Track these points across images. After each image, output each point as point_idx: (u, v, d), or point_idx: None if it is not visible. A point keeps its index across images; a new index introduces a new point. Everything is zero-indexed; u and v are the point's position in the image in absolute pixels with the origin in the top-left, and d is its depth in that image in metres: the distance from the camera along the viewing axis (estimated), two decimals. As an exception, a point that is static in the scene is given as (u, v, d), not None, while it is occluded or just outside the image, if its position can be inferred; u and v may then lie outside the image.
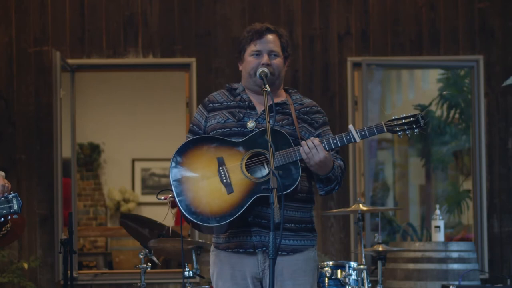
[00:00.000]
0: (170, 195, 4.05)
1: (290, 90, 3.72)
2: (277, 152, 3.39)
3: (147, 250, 5.24)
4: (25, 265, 6.81)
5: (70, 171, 7.41)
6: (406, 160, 9.78)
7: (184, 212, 3.40)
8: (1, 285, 6.77)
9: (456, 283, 6.08)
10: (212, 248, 3.66)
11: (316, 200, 7.16)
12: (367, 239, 7.08)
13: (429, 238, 7.95)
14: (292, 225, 3.53)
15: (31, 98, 7.19)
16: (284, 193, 3.21)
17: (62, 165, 7.06)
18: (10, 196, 3.73)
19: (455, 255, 6.36)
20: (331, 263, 5.10)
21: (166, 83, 10.48)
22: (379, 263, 5.41)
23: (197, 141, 3.52)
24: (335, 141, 3.42)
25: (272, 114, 3.42)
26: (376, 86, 9.20)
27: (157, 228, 5.35)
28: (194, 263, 5.00)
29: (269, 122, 3.33)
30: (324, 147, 3.40)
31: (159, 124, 11.19)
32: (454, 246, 6.42)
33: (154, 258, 5.38)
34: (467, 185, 8.91)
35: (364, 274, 5.05)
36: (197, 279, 5.57)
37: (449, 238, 8.49)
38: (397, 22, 7.34)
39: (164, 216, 4.71)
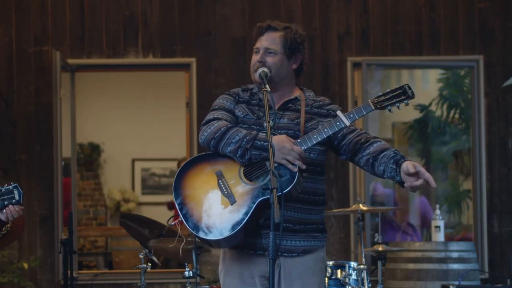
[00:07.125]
0: (179, 219, 4.07)
1: (304, 88, 3.72)
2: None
3: (147, 250, 5.25)
4: (25, 265, 6.80)
5: (70, 171, 7.41)
6: (406, 160, 9.74)
7: (194, 232, 3.42)
8: (1, 285, 6.76)
9: (456, 283, 6.08)
10: None
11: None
12: (367, 239, 7.07)
13: (429, 238, 7.94)
14: (302, 226, 3.53)
15: (31, 98, 7.18)
16: (284, 192, 3.23)
17: (62, 165, 7.06)
18: (11, 187, 3.76)
19: (455, 255, 6.36)
20: (331, 263, 5.09)
21: (166, 83, 10.47)
22: (379, 263, 5.41)
23: (193, 162, 3.54)
24: (325, 130, 3.44)
25: (272, 112, 3.44)
26: (376, 86, 9.19)
27: (157, 228, 5.35)
28: (194, 263, 5.00)
29: (269, 122, 3.33)
30: (316, 138, 3.42)
31: (159, 124, 11.19)
32: (454, 246, 6.42)
33: (154, 258, 5.38)
34: (467, 185, 8.90)
35: (364, 274, 5.05)
36: (197, 279, 5.56)
37: (449, 238, 8.48)
38: (397, 22, 7.34)
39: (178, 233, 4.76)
